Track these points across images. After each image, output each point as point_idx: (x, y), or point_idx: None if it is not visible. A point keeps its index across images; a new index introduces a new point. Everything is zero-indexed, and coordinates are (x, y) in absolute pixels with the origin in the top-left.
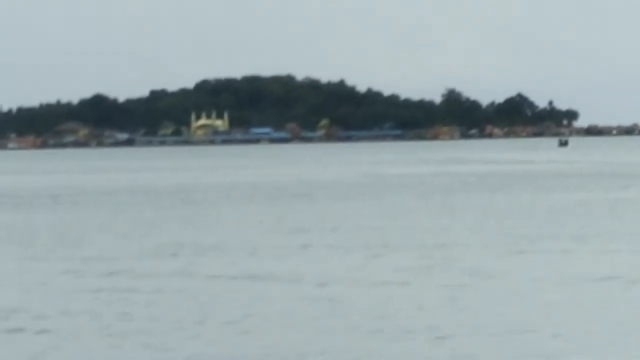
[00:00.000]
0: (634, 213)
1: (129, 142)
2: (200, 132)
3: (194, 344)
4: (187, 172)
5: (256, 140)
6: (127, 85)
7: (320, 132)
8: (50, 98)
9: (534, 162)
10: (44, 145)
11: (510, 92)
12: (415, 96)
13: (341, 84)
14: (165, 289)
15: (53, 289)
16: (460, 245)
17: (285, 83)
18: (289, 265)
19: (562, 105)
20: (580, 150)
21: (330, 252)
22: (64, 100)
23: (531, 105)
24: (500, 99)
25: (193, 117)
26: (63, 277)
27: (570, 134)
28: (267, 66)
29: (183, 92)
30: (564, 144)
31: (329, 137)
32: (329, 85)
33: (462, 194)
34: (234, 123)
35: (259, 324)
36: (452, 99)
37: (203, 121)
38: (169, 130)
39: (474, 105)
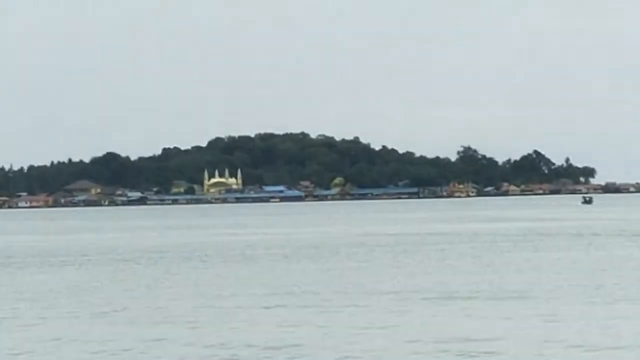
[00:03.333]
0: None
1: (141, 201)
2: (213, 190)
3: None
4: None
5: (269, 199)
6: (139, 144)
7: (335, 190)
8: (61, 156)
9: (569, 219)
10: (55, 204)
11: (527, 149)
12: (430, 154)
13: (355, 142)
14: None
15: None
16: None
17: (299, 141)
18: None
19: (578, 162)
20: (606, 208)
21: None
22: (76, 158)
23: (548, 162)
24: (516, 156)
25: (206, 175)
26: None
27: (588, 191)
28: (280, 124)
29: (196, 150)
30: (588, 201)
31: (343, 195)
32: (343, 142)
33: (525, 252)
34: (247, 181)
35: None
36: (468, 156)
37: (216, 179)
38: (182, 189)
39: (489, 163)
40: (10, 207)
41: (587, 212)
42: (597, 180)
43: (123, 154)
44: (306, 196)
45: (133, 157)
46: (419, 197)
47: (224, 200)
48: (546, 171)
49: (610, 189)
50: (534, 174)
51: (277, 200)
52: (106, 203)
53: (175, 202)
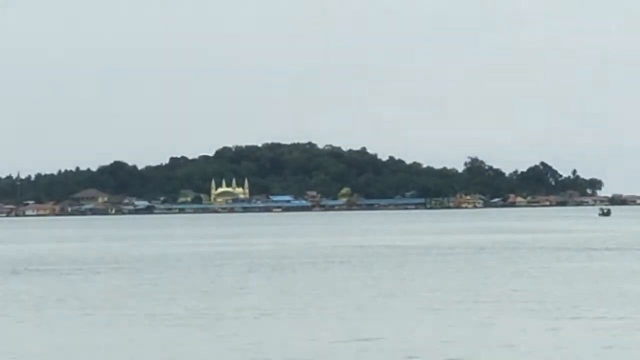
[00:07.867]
0: None
1: (148, 210)
2: (220, 199)
3: None
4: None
5: (276, 208)
6: (147, 153)
7: (342, 201)
8: (69, 165)
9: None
10: (62, 212)
11: (534, 161)
12: (437, 164)
13: (363, 152)
14: None
15: None
16: None
17: (306, 151)
18: None
19: (585, 174)
20: (627, 220)
21: None
22: (83, 167)
23: (554, 173)
24: (523, 167)
25: (213, 184)
26: None
27: (595, 202)
28: (287, 134)
29: (203, 160)
30: (606, 214)
31: (350, 206)
32: (351, 153)
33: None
34: (254, 191)
35: None
36: (475, 167)
37: (223, 189)
38: (189, 198)
39: (496, 174)
40: (17, 215)
41: (617, 225)
42: (604, 192)
43: (130, 163)
44: (313, 206)
45: (140, 166)
46: (426, 208)
47: (231, 210)
48: (553, 183)
49: (617, 201)
50: (540, 186)
51: (280, 210)
52: (113, 212)
53: (182, 211)
